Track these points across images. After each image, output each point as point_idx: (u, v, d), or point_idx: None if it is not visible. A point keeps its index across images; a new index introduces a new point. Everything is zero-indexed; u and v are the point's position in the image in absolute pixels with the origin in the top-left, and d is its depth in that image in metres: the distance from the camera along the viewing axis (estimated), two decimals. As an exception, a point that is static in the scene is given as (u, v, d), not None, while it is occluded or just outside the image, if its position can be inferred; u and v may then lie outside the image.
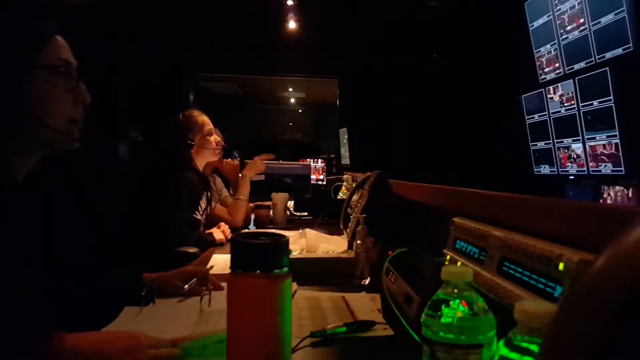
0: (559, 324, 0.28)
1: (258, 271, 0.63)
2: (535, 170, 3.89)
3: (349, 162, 5.09)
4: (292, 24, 5.24)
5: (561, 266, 0.57)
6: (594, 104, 3.03)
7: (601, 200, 3.10)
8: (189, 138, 2.15)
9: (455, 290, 0.56)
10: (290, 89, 8.98)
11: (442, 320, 0.55)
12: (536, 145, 3.82)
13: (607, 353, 0.24)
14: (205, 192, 2.21)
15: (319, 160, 4.58)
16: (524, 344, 0.44)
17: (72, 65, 0.92)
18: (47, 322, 0.84)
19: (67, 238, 1.08)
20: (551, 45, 3.44)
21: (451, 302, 0.56)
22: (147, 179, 2.12)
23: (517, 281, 0.66)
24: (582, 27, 3.08)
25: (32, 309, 0.84)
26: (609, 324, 0.24)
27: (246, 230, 2.17)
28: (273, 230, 2.21)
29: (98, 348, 0.80)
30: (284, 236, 0.67)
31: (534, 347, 0.43)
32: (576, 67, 3.21)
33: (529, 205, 0.78)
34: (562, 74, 3.37)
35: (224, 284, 1.26)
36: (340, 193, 3.46)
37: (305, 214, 2.80)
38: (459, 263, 0.85)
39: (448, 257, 0.91)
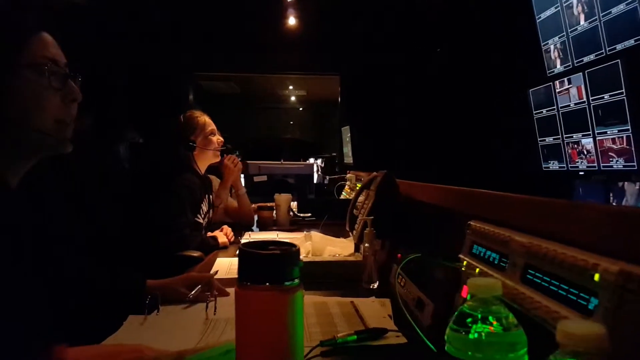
0: None
1: (267, 284, 0.59)
2: (543, 166, 3.83)
3: (351, 161, 5.03)
4: (292, 21, 5.17)
5: (597, 277, 0.52)
6: (605, 97, 2.97)
7: (624, 201, 3.02)
8: (190, 140, 2.11)
9: (482, 304, 0.52)
10: (291, 87, 8.91)
11: (470, 336, 0.51)
12: (544, 140, 3.76)
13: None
14: (207, 195, 2.17)
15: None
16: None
17: (59, 63, 0.87)
18: (47, 335, 0.81)
19: (65, 245, 1.05)
20: (559, 38, 3.38)
21: (477, 317, 0.51)
22: (147, 181, 2.09)
23: (544, 291, 0.62)
24: (591, 19, 3.01)
25: (30, 321, 0.81)
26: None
27: (252, 237, 2.10)
28: (277, 233, 2.17)
29: None
30: (294, 245, 0.62)
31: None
32: (585, 59, 3.14)
33: (552, 209, 0.73)
34: (571, 67, 3.30)
35: (230, 290, 1.23)
36: (343, 192, 3.41)
37: (309, 214, 2.76)
38: (477, 270, 0.80)
39: (465, 262, 0.87)
